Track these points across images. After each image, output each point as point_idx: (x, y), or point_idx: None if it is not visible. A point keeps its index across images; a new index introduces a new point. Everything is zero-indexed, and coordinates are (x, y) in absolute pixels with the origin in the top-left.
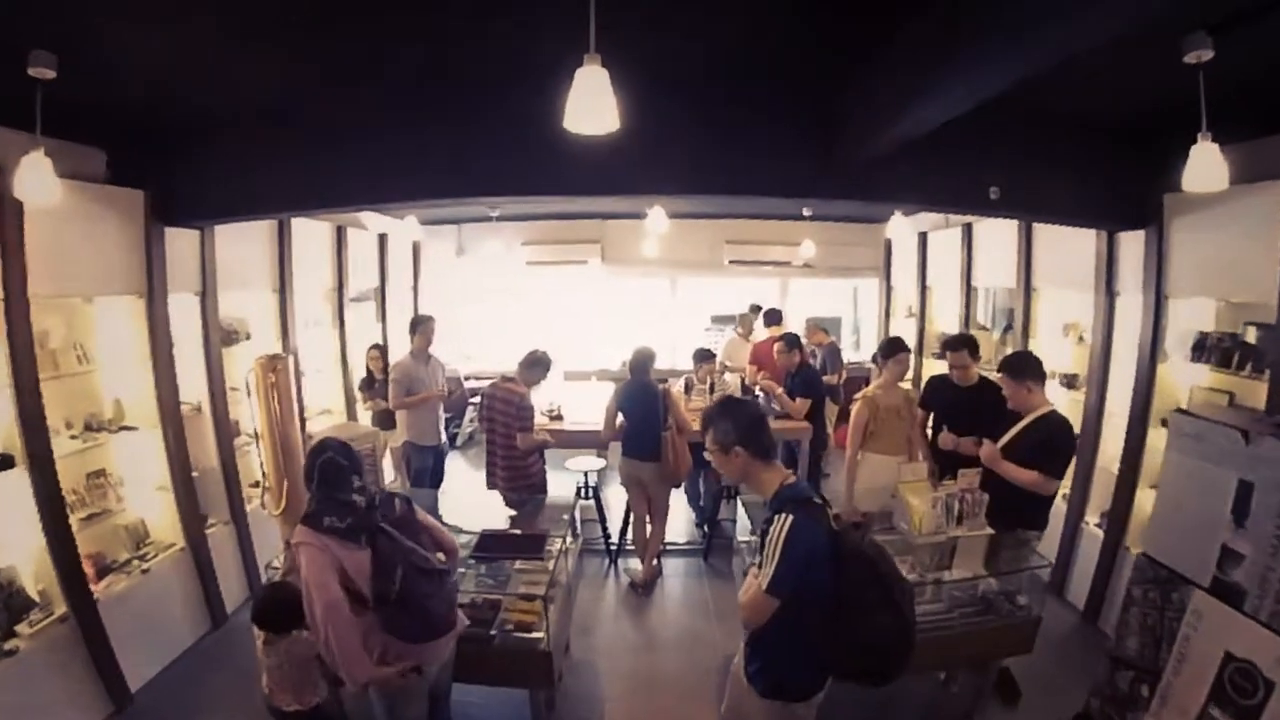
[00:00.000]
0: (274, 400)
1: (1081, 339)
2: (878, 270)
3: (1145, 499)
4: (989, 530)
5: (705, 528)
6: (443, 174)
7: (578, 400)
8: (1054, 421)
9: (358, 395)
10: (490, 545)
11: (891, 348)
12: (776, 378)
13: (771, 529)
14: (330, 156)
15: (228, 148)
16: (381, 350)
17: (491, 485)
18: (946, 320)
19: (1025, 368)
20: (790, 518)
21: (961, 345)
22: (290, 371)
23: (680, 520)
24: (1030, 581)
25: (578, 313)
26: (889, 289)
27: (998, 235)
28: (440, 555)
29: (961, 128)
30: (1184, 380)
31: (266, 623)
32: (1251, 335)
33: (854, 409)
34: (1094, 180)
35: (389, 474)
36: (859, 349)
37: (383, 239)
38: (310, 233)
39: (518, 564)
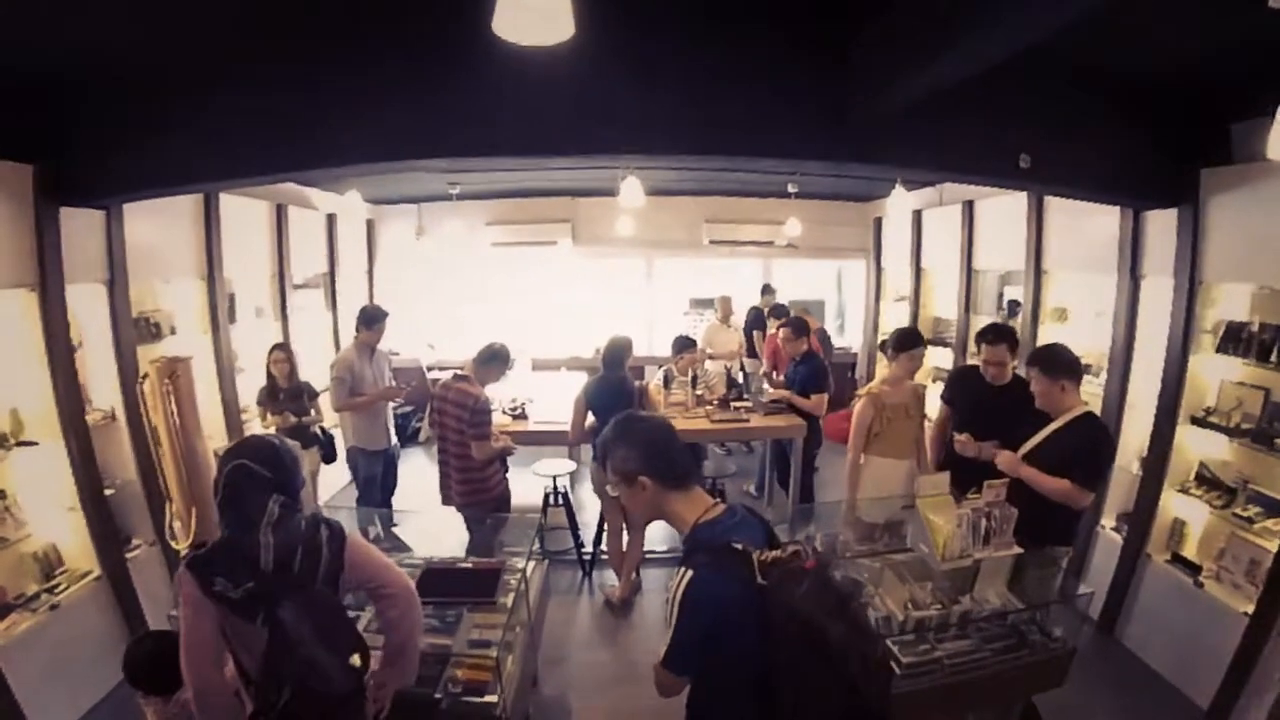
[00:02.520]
0: (172, 410)
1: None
2: (865, 251)
3: (1170, 502)
4: (1017, 549)
5: None
6: (387, 134)
7: (546, 393)
8: (1090, 424)
9: (255, 409)
10: (434, 584)
11: (906, 340)
12: (784, 366)
13: (670, 585)
14: (253, 119)
15: (134, 113)
16: (288, 352)
17: (447, 500)
18: (943, 304)
19: (1060, 363)
20: (689, 574)
21: (1001, 338)
22: (192, 375)
23: (660, 524)
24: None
25: (547, 297)
26: (879, 271)
27: (1003, 213)
28: (355, 659)
29: (986, 89)
30: (1212, 373)
31: (139, 681)
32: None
33: (857, 407)
34: (1124, 153)
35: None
36: (843, 333)
37: (331, 219)
38: (244, 212)
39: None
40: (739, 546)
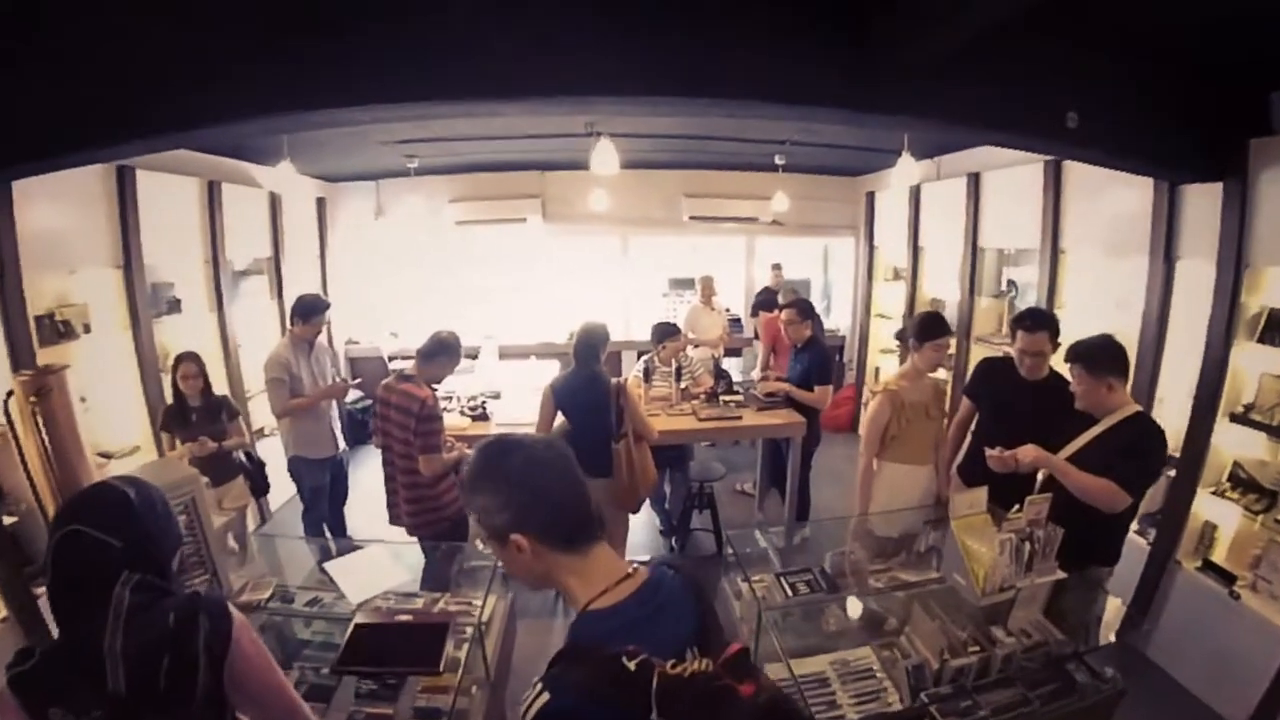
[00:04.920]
0: (41, 434)
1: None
2: (853, 228)
3: (1200, 504)
4: (1060, 574)
5: (674, 540)
6: (298, 78)
7: (514, 386)
8: (1143, 425)
9: (164, 436)
10: (364, 648)
11: (930, 327)
12: (784, 353)
13: (523, 697)
14: (151, 65)
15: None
16: (199, 364)
17: (395, 520)
18: (941, 286)
19: (1106, 359)
20: (543, 696)
21: (1041, 325)
22: (68, 390)
23: (643, 529)
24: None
25: (516, 279)
26: (871, 248)
27: (1013, 187)
28: None
29: (1025, 43)
30: (1251, 365)
31: None
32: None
33: (871, 405)
34: (1166, 119)
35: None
36: (829, 314)
37: (274, 198)
38: (168, 190)
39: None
40: (631, 663)
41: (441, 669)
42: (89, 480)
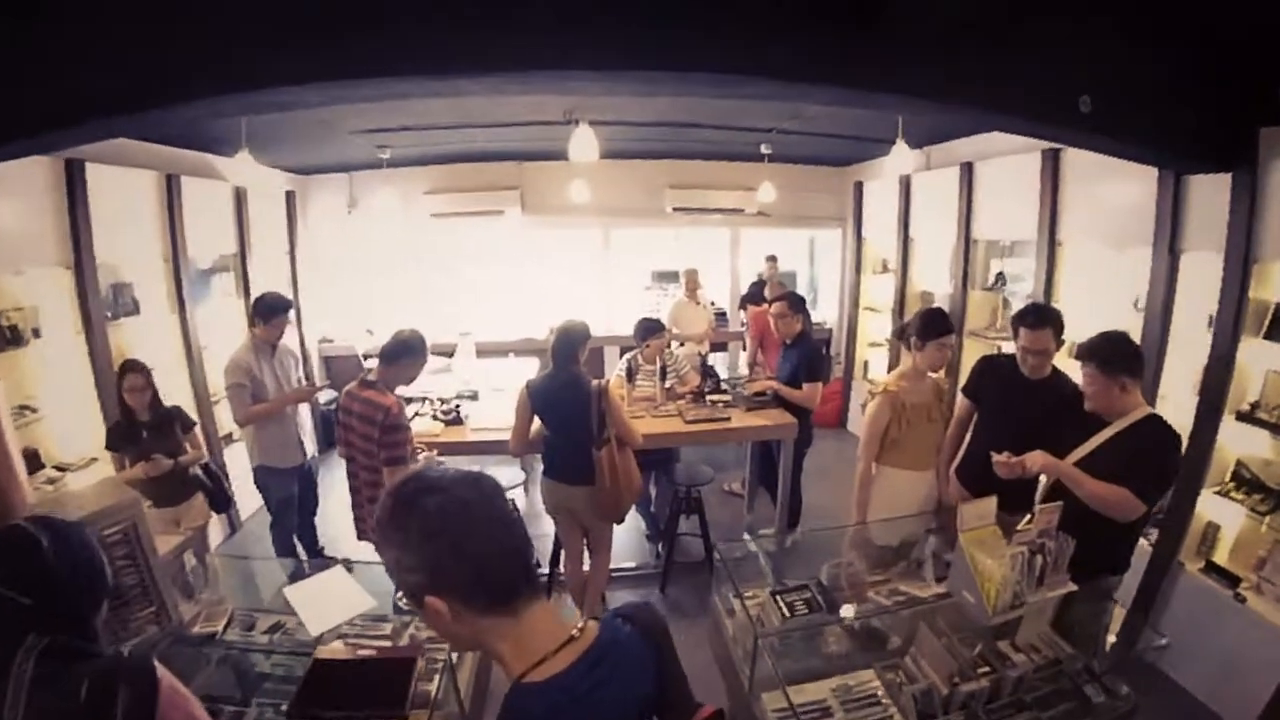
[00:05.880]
0: None
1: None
2: (841, 220)
3: (1202, 505)
4: (1071, 586)
5: (660, 545)
6: (276, 54)
7: (492, 385)
8: (1156, 428)
9: (110, 456)
10: (324, 686)
11: (934, 325)
12: (773, 348)
13: None
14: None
15: None
16: (146, 375)
17: (363, 535)
18: (932, 278)
19: (1120, 357)
20: None
21: (1045, 322)
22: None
23: (629, 534)
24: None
25: (494, 273)
26: (859, 240)
27: (1009, 177)
28: None
29: (1035, 25)
30: (1256, 362)
31: None
32: None
33: (870, 407)
34: (1174, 107)
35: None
36: (817, 307)
37: (240, 192)
38: (120, 185)
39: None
40: None
41: (408, 710)
42: (22, 506)
